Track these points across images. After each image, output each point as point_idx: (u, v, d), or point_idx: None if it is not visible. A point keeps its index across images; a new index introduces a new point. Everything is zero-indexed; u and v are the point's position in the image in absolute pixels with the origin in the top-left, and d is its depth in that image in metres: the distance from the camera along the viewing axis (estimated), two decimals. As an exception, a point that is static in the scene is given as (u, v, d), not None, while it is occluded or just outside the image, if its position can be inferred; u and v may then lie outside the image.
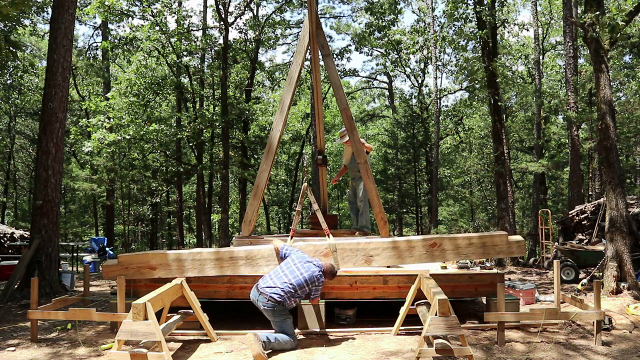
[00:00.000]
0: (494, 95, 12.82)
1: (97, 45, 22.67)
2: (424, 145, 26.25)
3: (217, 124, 16.90)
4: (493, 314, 4.89)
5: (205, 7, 19.41)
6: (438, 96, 23.46)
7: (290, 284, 4.66)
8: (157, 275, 5.37)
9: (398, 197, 27.49)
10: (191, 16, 17.82)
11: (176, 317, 5.03)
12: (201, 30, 18.40)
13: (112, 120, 14.56)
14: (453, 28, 13.45)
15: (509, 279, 8.89)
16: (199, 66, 19.26)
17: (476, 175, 27.95)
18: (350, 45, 21.69)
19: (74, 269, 12.98)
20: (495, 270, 6.09)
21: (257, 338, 4.34)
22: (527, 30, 16.14)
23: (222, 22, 17.13)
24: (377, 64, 31.32)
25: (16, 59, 10.33)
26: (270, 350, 4.52)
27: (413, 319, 5.06)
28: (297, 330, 5.30)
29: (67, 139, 19.13)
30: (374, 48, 25.32)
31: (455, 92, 28.59)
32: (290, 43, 24.36)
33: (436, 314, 4.00)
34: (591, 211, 12.52)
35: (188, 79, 18.72)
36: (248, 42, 18.69)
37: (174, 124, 17.41)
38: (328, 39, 15.49)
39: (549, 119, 22.54)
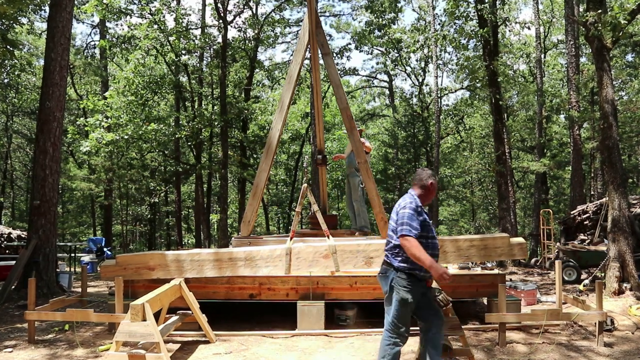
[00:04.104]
0: (495, 94, 12.77)
1: (95, 44, 22.62)
2: (425, 145, 26.20)
3: (216, 123, 16.84)
4: (494, 315, 4.86)
5: (203, 5, 19.36)
6: (439, 95, 23.40)
7: (390, 237, 3.66)
8: (155, 276, 5.32)
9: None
10: (190, 14, 17.83)
11: (175, 318, 4.98)
12: (200, 29, 18.33)
13: (110, 119, 14.49)
14: (454, 26, 13.38)
15: (511, 280, 8.83)
16: (198, 65, 19.20)
17: (477, 175, 27.89)
18: (350, 43, 21.57)
19: (72, 269, 12.94)
20: (496, 271, 6.06)
21: None
22: (529, 28, 16.06)
23: (220, 21, 17.08)
24: (377, 63, 31.35)
25: (13, 58, 10.28)
26: None
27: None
28: (297, 331, 5.26)
29: (64, 139, 19.05)
30: (374, 47, 25.20)
31: (456, 91, 28.49)
32: (289, 42, 24.26)
33: (438, 316, 3.94)
34: (593, 211, 12.45)
35: (187, 77, 18.66)
36: (247, 41, 18.63)
37: (173, 123, 17.35)
38: (328, 38, 15.38)
39: (550, 118, 22.49)
